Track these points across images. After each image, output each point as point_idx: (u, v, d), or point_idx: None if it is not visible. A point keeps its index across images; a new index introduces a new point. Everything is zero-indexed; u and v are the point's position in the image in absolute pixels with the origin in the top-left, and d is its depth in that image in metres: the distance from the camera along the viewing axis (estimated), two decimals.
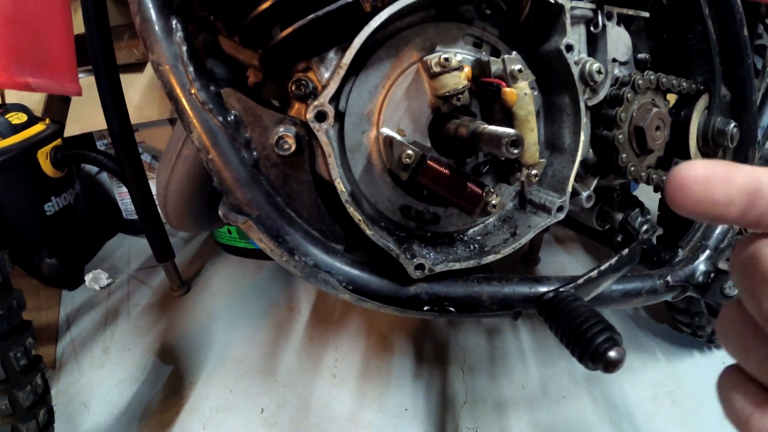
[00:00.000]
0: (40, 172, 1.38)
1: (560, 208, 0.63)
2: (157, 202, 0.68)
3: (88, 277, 1.44)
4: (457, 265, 0.56)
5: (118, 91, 1.12)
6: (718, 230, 0.91)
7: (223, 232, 1.42)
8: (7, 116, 1.38)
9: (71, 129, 1.50)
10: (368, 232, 0.52)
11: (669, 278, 0.79)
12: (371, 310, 0.59)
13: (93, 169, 1.69)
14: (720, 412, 0.84)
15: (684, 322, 1.06)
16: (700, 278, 0.83)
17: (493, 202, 0.52)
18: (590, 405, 1.00)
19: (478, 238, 0.62)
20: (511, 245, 0.59)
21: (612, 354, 0.45)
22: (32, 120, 1.43)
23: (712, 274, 0.84)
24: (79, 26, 1.08)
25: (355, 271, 0.54)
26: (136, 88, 1.47)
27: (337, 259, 0.54)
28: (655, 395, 1.03)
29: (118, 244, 1.59)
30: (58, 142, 1.44)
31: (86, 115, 1.48)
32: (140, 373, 1.14)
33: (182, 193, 0.65)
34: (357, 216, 0.51)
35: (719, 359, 1.09)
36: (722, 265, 0.87)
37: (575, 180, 0.66)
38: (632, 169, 0.75)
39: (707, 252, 0.87)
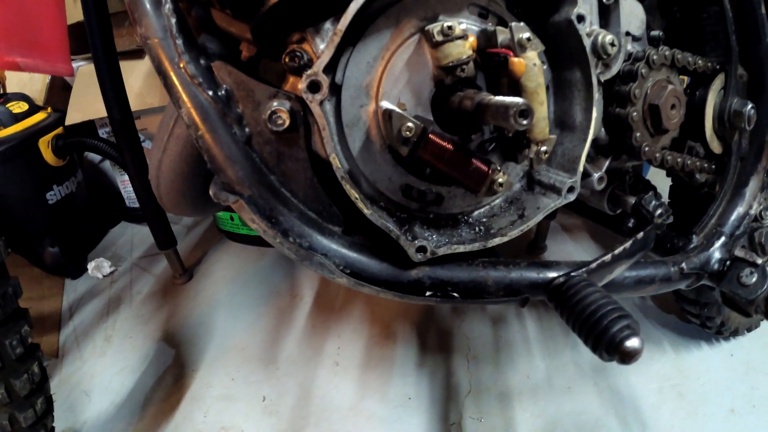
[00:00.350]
0: (42, 160, 1.37)
1: (571, 189, 0.60)
2: (151, 184, 0.65)
3: (90, 266, 1.42)
4: (461, 248, 0.53)
5: (117, 78, 1.10)
6: (734, 216, 0.88)
7: (225, 218, 1.40)
8: (8, 105, 1.37)
9: (72, 117, 1.48)
10: (366, 211, 0.49)
11: (683, 265, 0.76)
12: (374, 296, 0.57)
13: (96, 157, 1.68)
14: (725, 406, 0.80)
15: (693, 313, 1.03)
16: (716, 266, 0.80)
17: (500, 180, 0.49)
18: (596, 397, 0.98)
19: (484, 220, 0.59)
20: (518, 227, 0.56)
21: (629, 344, 0.42)
22: (33, 109, 1.42)
23: (728, 262, 0.81)
24: (78, 14, 1.06)
25: (353, 254, 0.51)
26: (137, 75, 1.45)
27: (333, 241, 0.51)
28: (661, 388, 1.00)
29: (120, 232, 1.58)
30: (59, 130, 1.42)
31: (87, 103, 1.47)
32: (142, 362, 1.13)
33: (175, 174, 0.62)
34: (354, 194, 0.48)
35: (727, 351, 1.06)
36: (738, 252, 0.83)
37: (586, 161, 0.62)
38: (646, 149, 0.71)
39: (723, 239, 0.84)
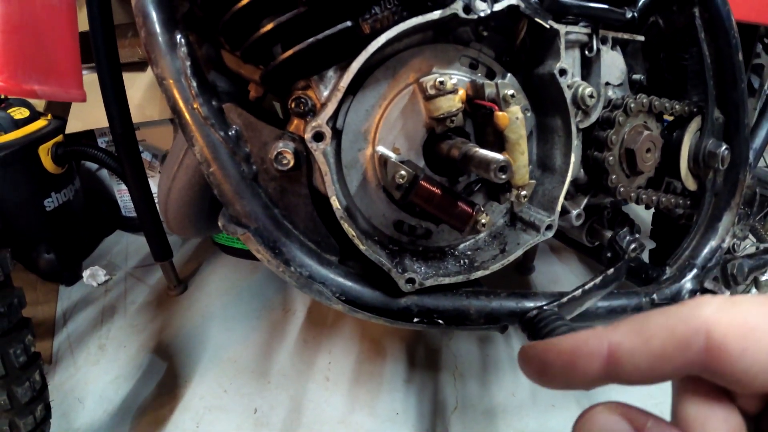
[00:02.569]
0: (41, 167, 1.40)
1: (549, 227, 0.65)
2: (158, 209, 0.69)
3: (85, 274, 1.45)
4: (446, 280, 0.58)
5: (120, 89, 1.13)
6: (707, 249, 0.93)
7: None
8: (9, 111, 1.39)
9: (73, 126, 1.51)
10: (362, 247, 0.54)
11: (654, 296, 0.81)
12: None
13: (93, 165, 1.71)
14: None
15: None
16: (686, 297, 0.85)
17: (483, 221, 0.53)
18: (578, 413, 1.02)
19: (469, 253, 0.64)
20: (500, 261, 0.61)
21: None
22: (34, 115, 1.44)
23: (698, 294, 0.86)
24: (83, 24, 1.10)
25: (348, 283, 0.56)
26: (138, 87, 1.48)
27: (331, 270, 0.56)
28: (643, 406, 1.04)
29: (116, 241, 1.61)
30: (59, 138, 1.45)
31: (88, 113, 1.49)
32: (135, 371, 1.16)
33: (183, 201, 0.67)
34: (351, 232, 0.53)
35: None
36: (708, 284, 0.89)
37: (566, 198, 0.68)
38: (622, 189, 0.77)
39: (694, 271, 0.89)
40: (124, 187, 1.58)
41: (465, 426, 0.98)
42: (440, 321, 0.59)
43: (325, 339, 1.17)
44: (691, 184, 0.94)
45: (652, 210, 1.12)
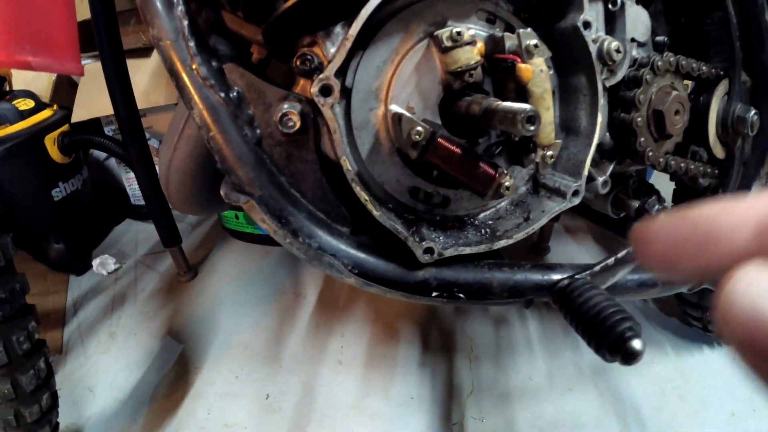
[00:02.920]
0: (48, 157, 1.38)
1: (576, 193, 0.60)
2: (160, 184, 0.66)
3: (95, 263, 1.43)
4: (467, 250, 0.54)
5: (124, 76, 1.11)
6: None
7: (230, 217, 1.41)
8: (14, 102, 1.38)
9: (79, 114, 1.49)
10: (375, 213, 0.50)
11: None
12: (378, 295, 0.58)
13: (101, 155, 1.69)
14: (726, 409, 0.81)
15: (694, 316, 1.04)
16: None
17: (507, 183, 0.49)
18: (596, 398, 0.98)
19: (490, 222, 0.60)
20: (524, 230, 0.57)
21: (632, 344, 0.43)
22: (39, 106, 1.43)
23: None
24: (85, 11, 1.07)
25: (361, 255, 0.52)
26: (143, 73, 1.46)
27: (342, 241, 0.52)
28: (662, 390, 1.00)
29: (125, 230, 1.59)
30: (65, 127, 1.43)
31: (94, 101, 1.47)
32: (146, 358, 1.14)
33: (184, 174, 0.63)
34: (364, 196, 0.49)
35: (728, 355, 1.06)
36: None
37: (590, 165, 0.63)
38: (650, 154, 0.72)
39: None
40: (132, 175, 1.56)
41: (481, 410, 0.94)
42: (461, 295, 0.55)
43: (337, 322, 1.13)
44: (719, 152, 0.89)
45: (672, 186, 1.08)
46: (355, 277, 0.51)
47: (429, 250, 0.52)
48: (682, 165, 0.80)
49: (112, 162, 1.65)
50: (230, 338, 1.12)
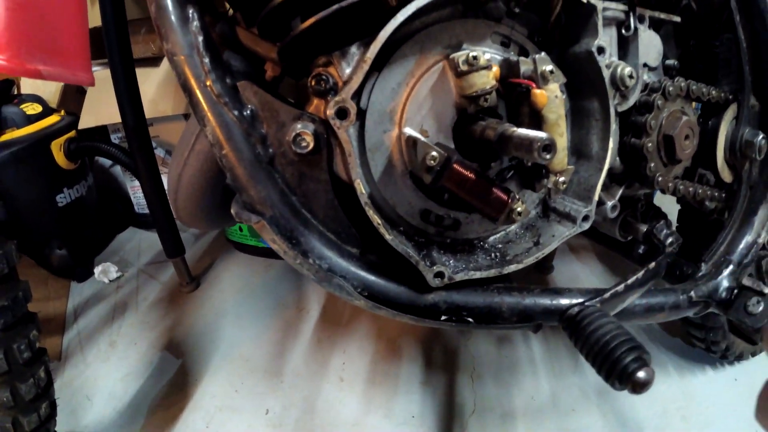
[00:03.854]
0: (54, 163, 1.38)
1: (586, 218, 0.60)
2: (168, 198, 0.66)
3: (97, 270, 1.43)
4: (477, 274, 0.53)
5: (133, 84, 1.11)
6: (743, 244, 0.88)
7: (234, 229, 1.41)
8: (21, 106, 1.38)
9: (86, 121, 1.49)
10: (387, 237, 0.50)
11: (692, 293, 0.76)
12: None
13: (106, 162, 1.69)
14: (729, 430, 0.79)
15: (698, 337, 1.03)
16: (723, 294, 0.80)
17: (519, 209, 0.49)
18: (599, 419, 0.97)
19: (500, 246, 0.59)
20: (534, 255, 0.57)
21: (641, 375, 0.43)
22: (47, 111, 1.43)
23: (735, 290, 0.81)
24: (96, 19, 1.08)
25: (370, 277, 0.52)
26: (152, 83, 1.46)
27: (352, 263, 0.52)
28: (665, 411, 0.99)
29: (128, 238, 1.58)
30: (72, 133, 1.43)
31: (101, 108, 1.48)
32: (146, 368, 1.13)
33: (194, 189, 0.63)
34: (376, 219, 0.49)
35: (731, 376, 1.06)
36: (746, 281, 0.84)
37: (599, 195, 0.63)
38: (660, 179, 0.72)
39: (731, 267, 0.84)
40: (137, 183, 1.56)
41: (483, 430, 0.93)
42: (470, 319, 0.55)
43: (339, 338, 1.12)
44: (726, 176, 0.89)
45: (678, 208, 1.08)
46: (364, 300, 0.51)
47: (439, 275, 0.51)
48: (691, 189, 0.80)
49: (118, 170, 1.65)
50: (231, 351, 1.11)
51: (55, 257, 1.44)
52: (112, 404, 1.07)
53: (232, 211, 0.52)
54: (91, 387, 1.12)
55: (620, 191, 0.71)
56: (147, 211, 1.57)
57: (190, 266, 1.33)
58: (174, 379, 1.08)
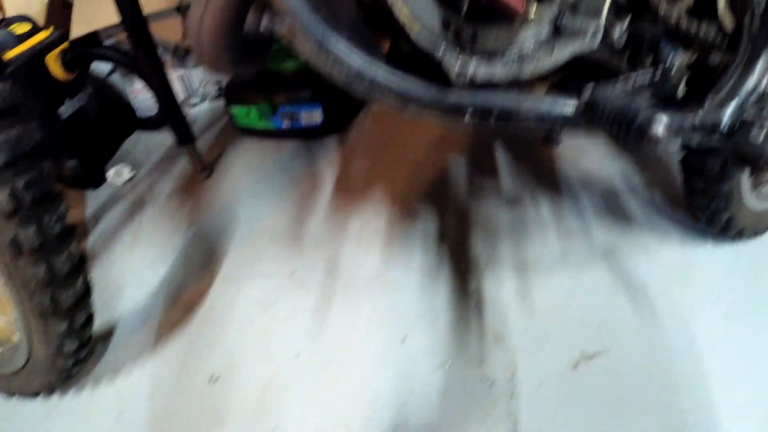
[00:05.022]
0: (51, 77, 1.38)
1: (594, 34, 0.63)
2: (191, 41, 0.68)
3: (110, 173, 1.45)
4: (498, 74, 0.57)
5: None
6: (744, 87, 0.91)
7: (241, 114, 1.42)
8: (9, 28, 1.36)
9: (78, 29, 1.46)
10: (414, 30, 0.52)
11: (696, 118, 0.79)
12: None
13: (102, 72, 1.67)
14: (731, 300, 0.82)
15: (702, 205, 1.04)
16: (726, 125, 0.83)
17: (533, 11, 0.52)
18: (607, 274, 1.03)
19: (516, 57, 0.62)
20: (548, 64, 0.60)
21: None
22: (36, 29, 1.41)
23: (738, 124, 0.84)
24: None
25: (398, 78, 0.55)
26: None
27: (379, 66, 0.55)
28: (668, 275, 1.04)
29: (135, 142, 1.59)
30: (65, 45, 1.42)
31: (91, 14, 1.45)
32: (172, 252, 1.18)
33: (217, 26, 0.64)
34: (405, 12, 0.52)
35: (732, 253, 1.08)
36: (747, 117, 0.87)
37: (606, 20, 0.65)
38: (664, 7, 0.74)
39: (733, 104, 0.87)
40: (137, 87, 1.55)
41: (497, 279, 1.00)
42: (492, 115, 0.58)
43: (355, 204, 1.17)
44: (728, 22, 0.90)
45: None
46: (394, 96, 0.54)
47: (462, 72, 0.55)
48: (694, 27, 0.82)
49: (116, 78, 1.64)
50: (252, 225, 1.16)
51: (66, 168, 1.46)
52: (143, 290, 1.12)
53: (263, 24, 0.54)
54: (121, 279, 1.17)
55: (627, 19, 0.73)
56: (151, 113, 1.58)
57: (201, 154, 1.36)
58: (201, 257, 1.14)
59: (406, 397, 0.86)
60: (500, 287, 0.99)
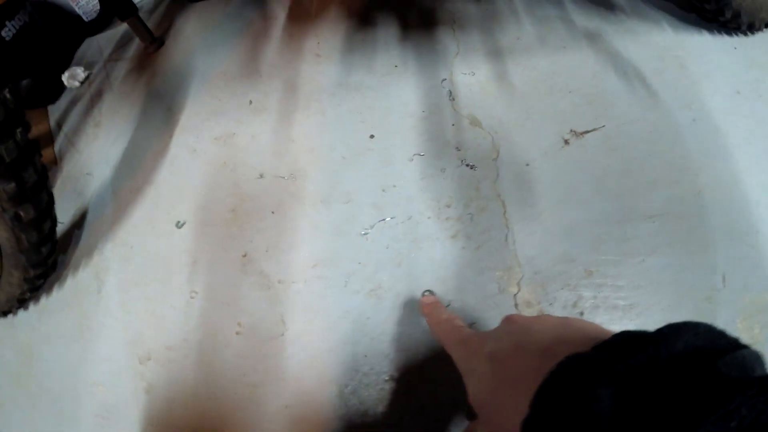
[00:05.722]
0: None
1: None
2: None
3: (65, 77, 1.38)
4: None
5: None
6: None
7: None
8: None
9: None
10: None
11: None
12: None
13: None
14: (730, 86, 0.72)
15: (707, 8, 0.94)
16: None
17: None
18: (592, 55, 0.94)
19: None
20: None
21: None
22: None
23: None
24: None
25: None
26: None
27: None
28: (662, 56, 0.95)
29: (87, 47, 1.50)
30: None
31: None
32: (132, 125, 1.12)
33: None
34: None
35: (730, 44, 0.98)
36: None
37: None
38: None
39: None
40: None
41: (470, 66, 0.91)
42: None
43: (310, 28, 1.07)
44: None
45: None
46: None
47: None
48: None
49: None
50: (206, 75, 1.08)
51: (22, 90, 1.39)
52: (109, 167, 1.08)
53: None
54: (88, 165, 1.13)
55: None
56: (95, 15, 1.49)
57: (152, 31, 1.27)
58: (160, 117, 1.07)
59: (381, 192, 0.79)
60: (474, 74, 0.90)
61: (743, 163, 0.80)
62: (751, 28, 0.99)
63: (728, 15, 0.95)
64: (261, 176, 0.86)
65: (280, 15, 1.13)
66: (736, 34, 1.00)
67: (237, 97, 0.98)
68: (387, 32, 1.00)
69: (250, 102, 0.95)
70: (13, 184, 0.79)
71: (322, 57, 0.98)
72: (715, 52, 0.97)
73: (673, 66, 0.94)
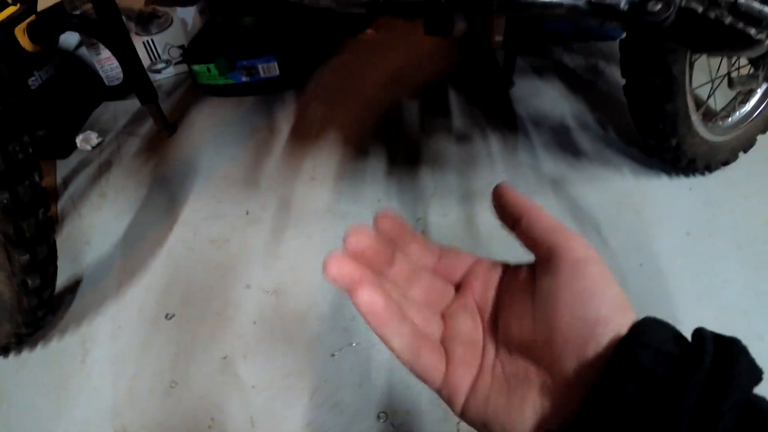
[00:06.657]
0: (19, 48, 1.39)
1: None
2: None
3: (78, 139, 1.48)
4: None
5: None
6: None
7: (202, 72, 1.44)
8: None
9: (43, 2, 1.49)
10: None
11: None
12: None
13: (70, 45, 1.69)
14: (682, 229, 0.84)
15: (648, 130, 1.04)
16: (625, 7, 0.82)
17: None
18: (555, 203, 1.05)
19: None
20: None
21: None
22: (3, 4, 1.43)
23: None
24: None
25: None
26: None
27: None
28: (619, 202, 1.06)
29: (103, 111, 1.61)
30: (32, 17, 1.44)
31: None
32: (136, 205, 1.20)
33: None
34: None
35: (686, 186, 1.09)
36: None
37: None
38: None
39: None
40: (104, 56, 1.58)
41: (443, 207, 1.02)
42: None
43: (310, 147, 1.20)
44: None
45: None
46: None
47: None
48: None
49: (83, 51, 1.66)
50: (211, 173, 1.19)
51: (36, 139, 1.48)
52: (108, 241, 1.15)
53: None
54: (87, 234, 1.19)
55: None
56: (117, 82, 1.61)
57: (166, 116, 1.38)
58: (162, 206, 1.16)
59: (352, 319, 0.88)
60: (446, 215, 1.01)
61: (685, 303, 0.87)
62: (709, 169, 1.09)
63: (684, 162, 1.05)
64: (247, 287, 0.96)
65: (284, 128, 1.25)
66: (694, 175, 1.10)
67: (236, 205, 1.09)
68: (376, 165, 1.12)
69: (247, 212, 1.06)
70: (27, 256, 0.86)
71: (317, 180, 1.10)
72: (671, 196, 1.07)
73: (628, 211, 1.05)
